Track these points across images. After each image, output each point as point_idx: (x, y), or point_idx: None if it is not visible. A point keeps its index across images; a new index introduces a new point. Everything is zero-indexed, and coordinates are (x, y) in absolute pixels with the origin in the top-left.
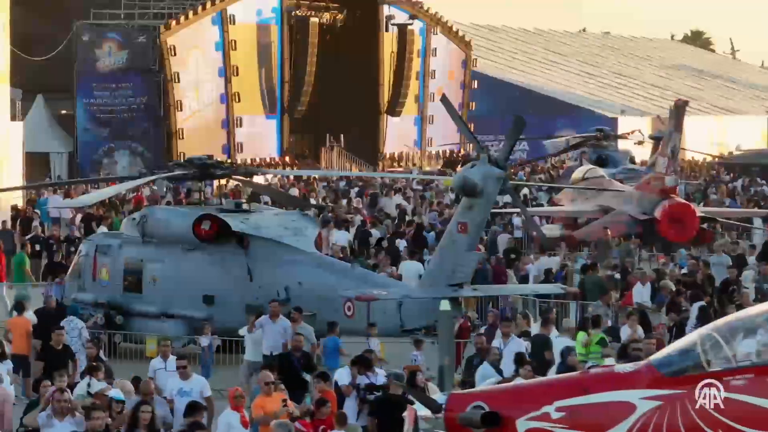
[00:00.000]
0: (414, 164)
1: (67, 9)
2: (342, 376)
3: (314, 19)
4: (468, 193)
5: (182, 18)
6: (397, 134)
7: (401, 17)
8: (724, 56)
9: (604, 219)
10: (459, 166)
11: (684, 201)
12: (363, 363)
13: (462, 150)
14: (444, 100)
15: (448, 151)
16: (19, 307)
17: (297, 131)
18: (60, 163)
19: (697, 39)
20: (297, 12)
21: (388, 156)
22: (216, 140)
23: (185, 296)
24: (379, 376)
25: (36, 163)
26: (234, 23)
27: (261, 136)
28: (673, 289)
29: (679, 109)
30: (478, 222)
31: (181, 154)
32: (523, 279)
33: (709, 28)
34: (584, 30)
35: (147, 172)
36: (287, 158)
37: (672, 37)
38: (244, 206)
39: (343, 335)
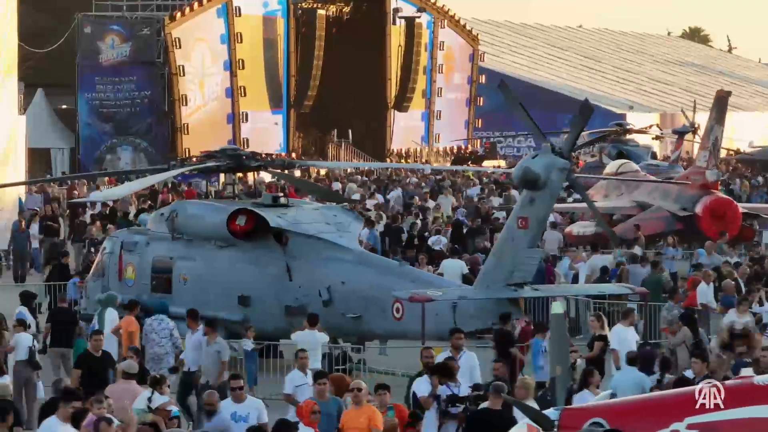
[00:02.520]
0: (426, 161)
1: (68, 0)
2: (421, 386)
3: (321, 12)
4: (529, 185)
5: (187, 9)
6: (404, 130)
7: (408, 10)
8: (724, 53)
9: (642, 215)
10: (469, 162)
11: (726, 196)
12: (444, 372)
13: (470, 146)
14: (502, 86)
15: (455, 148)
16: (129, 306)
17: (303, 127)
18: (61, 159)
19: (695, 36)
20: (303, 4)
21: (395, 152)
22: (221, 135)
23: (219, 297)
24: (462, 386)
25: (36, 159)
26: (240, 15)
27: (267, 132)
28: (743, 288)
29: (720, 101)
30: (540, 217)
31: (186, 149)
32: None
33: (706, 25)
34: (581, 26)
35: (177, 163)
36: (293, 155)
37: (669, 33)
38: (282, 200)
39: (390, 339)
